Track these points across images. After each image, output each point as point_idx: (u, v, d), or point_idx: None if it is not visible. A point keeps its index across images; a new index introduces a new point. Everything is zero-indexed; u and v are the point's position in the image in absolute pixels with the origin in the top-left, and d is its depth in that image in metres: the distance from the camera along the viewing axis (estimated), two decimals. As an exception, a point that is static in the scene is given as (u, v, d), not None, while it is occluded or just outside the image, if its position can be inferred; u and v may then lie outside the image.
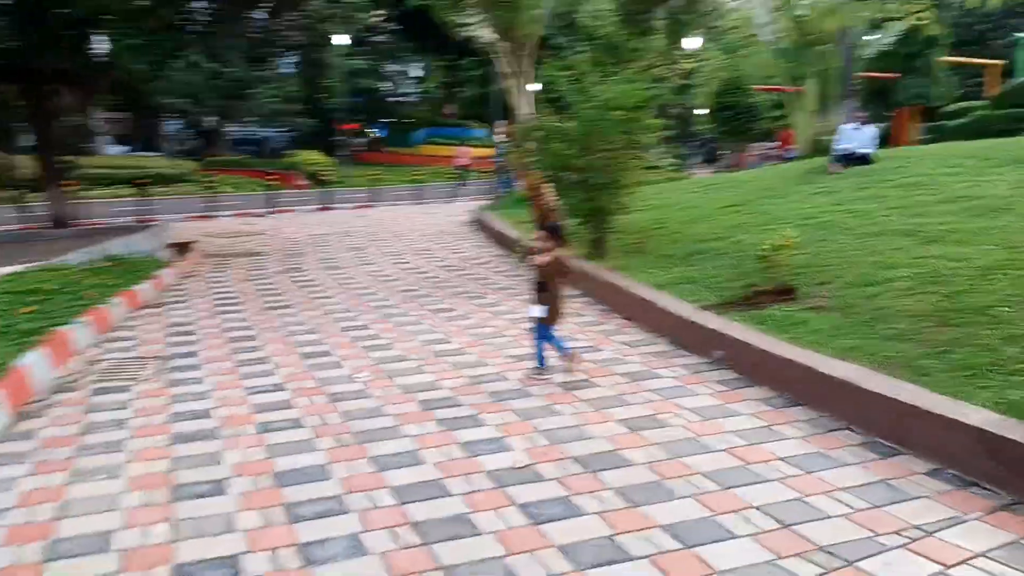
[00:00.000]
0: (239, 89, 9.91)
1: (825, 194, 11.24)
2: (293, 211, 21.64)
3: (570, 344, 6.26)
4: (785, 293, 7.23)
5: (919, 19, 7.37)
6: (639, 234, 10.72)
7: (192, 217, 19.68)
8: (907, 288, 6.51)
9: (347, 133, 49.72)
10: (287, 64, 12.69)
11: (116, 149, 41.09)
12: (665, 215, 11.90)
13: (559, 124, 10.35)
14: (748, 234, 9.65)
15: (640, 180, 10.05)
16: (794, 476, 4.12)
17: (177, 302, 9.33)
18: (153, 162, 28.64)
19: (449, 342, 7.21)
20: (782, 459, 4.32)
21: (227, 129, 45.88)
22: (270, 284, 10.55)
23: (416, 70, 56.94)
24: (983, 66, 32.10)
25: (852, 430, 4.71)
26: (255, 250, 13.99)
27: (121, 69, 10.94)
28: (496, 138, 49.57)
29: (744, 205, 11.77)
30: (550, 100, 11.12)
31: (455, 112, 46.37)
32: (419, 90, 57.00)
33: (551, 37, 39.64)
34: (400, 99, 57.57)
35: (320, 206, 22.43)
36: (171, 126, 50.61)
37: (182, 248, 13.76)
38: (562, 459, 4.38)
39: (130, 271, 9.61)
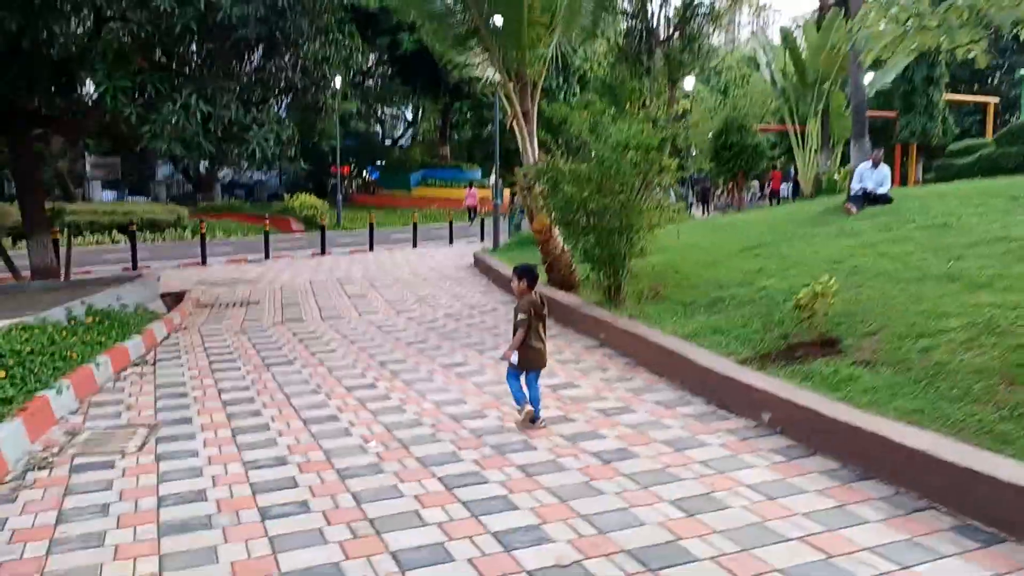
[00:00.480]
0: (233, 132, 9.42)
1: (848, 236, 10.78)
2: (289, 256, 21.10)
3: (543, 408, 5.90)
4: (828, 345, 6.70)
5: (967, 51, 6.94)
6: (653, 279, 10.20)
7: (184, 264, 19.12)
8: (964, 340, 5.98)
9: (339, 176, 49.60)
10: (281, 107, 12.32)
11: (106, 195, 40.70)
12: (678, 258, 11.39)
13: (572, 166, 9.89)
14: (772, 279, 9.15)
15: (656, 223, 9.54)
16: (890, 573, 3.54)
17: (169, 358, 8.74)
18: (144, 207, 28.19)
19: (465, 402, 6.63)
20: (869, 549, 3.74)
21: (220, 173, 45.62)
22: (268, 337, 9.97)
23: (408, 112, 56.93)
24: (982, 104, 32.12)
25: (939, 510, 4.14)
26: (251, 299, 13.42)
27: (109, 112, 10.38)
28: (491, 180, 49.55)
29: (761, 248, 11.29)
30: (557, 142, 10.66)
31: (447, 154, 46.15)
32: (411, 132, 56.96)
33: (544, 79, 39.68)
34: (392, 142, 57.52)
35: (316, 251, 21.91)
36: (162, 171, 50.35)
37: (175, 298, 13.19)
38: (614, 553, 3.79)
39: (118, 326, 9.02)
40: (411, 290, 14.16)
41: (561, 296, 10.74)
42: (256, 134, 10.46)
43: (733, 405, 6.11)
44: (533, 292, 5.97)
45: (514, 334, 5.81)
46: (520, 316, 5.81)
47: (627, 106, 32.95)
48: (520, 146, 11.63)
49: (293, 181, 51.76)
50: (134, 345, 8.75)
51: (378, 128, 58.58)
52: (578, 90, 41.72)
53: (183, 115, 9.76)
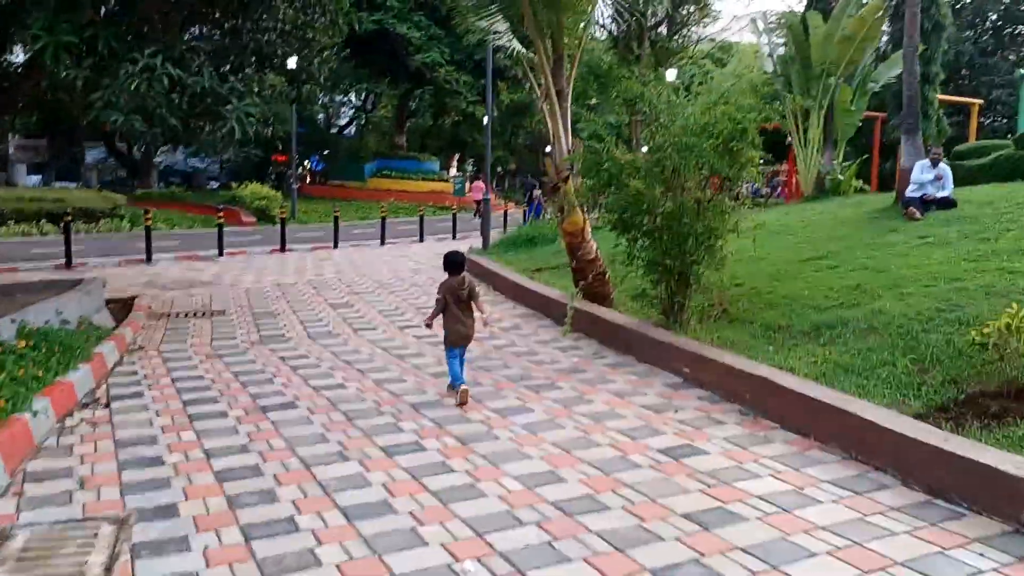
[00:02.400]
0: (207, 104, 7.49)
1: (937, 246, 9.26)
2: (244, 253, 18.84)
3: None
4: (1025, 398, 5.09)
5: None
6: (713, 293, 8.48)
7: (126, 261, 16.73)
8: None
9: (293, 165, 46.87)
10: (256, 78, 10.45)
11: (30, 179, 37.40)
12: (736, 269, 9.69)
13: (632, 157, 8.09)
14: (882, 299, 7.55)
15: (736, 227, 7.82)
16: None
17: (128, 396, 6.67)
18: (76, 195, 25.41)
19: (562, 479, 4.77)
20: None
21: (157, 159, 42.53)
22: (250, 363, 7.94)
23: (354, 98, 54.20)
24: (965, 105, 31.34)
25: None
26: (213, 306, 11.29)
27: (48, 76, 8.18)
28: (451, 172, 47.51)
29: (830, 257, 9.73)
30: (596, 129, 8.85)
31: (404, 144, 43.92)
32: (361, 120, 54.33)
33: (511, 67, 37.75)
34: (339, 130, 54.81)
35: (275, 247, 19.67)
36: (92, 154, 46.80)
37: (122, 306, 10.99)
38: None
39: (60, 350, 6.89)
40: (400, 297, 12.21)
41: (604, 312, 8.96)
42: (236, 108, 8.38)
43: (916, 475, 4.43)
44: (460, 277, 6.69)
45: (478, 304, 6.76)
46: (436, 297, 6.79)
47: (615, 95, 31.48)
48: (551, 132, 9.77)
49: (234, 169, 48.86)
50: (81, 378, 6.66)
51: (321, 115, 55.74)
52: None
53: (144, 80, 7.63)
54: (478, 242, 24.09)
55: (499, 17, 9.51)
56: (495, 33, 9.51)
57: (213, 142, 9.14)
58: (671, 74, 25.73)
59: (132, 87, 7.51)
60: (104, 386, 6.96)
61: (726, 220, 7.72)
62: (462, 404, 6.26)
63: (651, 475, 4.79)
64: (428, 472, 4.87)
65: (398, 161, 41.57)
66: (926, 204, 11.51)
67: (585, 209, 9.63)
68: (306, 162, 50.62)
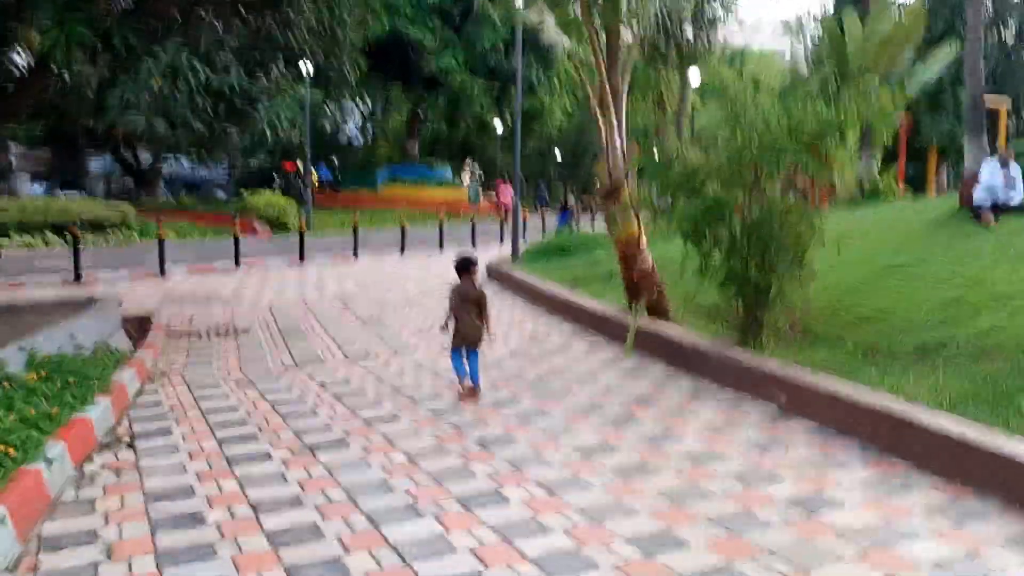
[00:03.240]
0: (236, 105, 6.81)
1: (1029, 254, 8.46)
2: (261, 264, 18.07)
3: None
4: None
5: None
6: (792, 309, 7.68)
7: (139, 274, 15.96)
8: None
9: (301, 173, 46.01)
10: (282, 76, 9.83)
11: (33, 189, 36.70)
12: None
13: (700, 160, 7.33)
14: (989, 317, 6.80)
15: (822, 237, 7.05)
16: None
17: (154, 433, 5.89)
18: (82, 205, 24.61)
19: (683, 542, 3.97)
20: None
21: (164, 167, 41.82)
22: (286, 390, 7.16)
23: (362, 106, 53.47)
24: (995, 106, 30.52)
25: None
26: (236, 324, 10.52)
27: (59, 78, 7.43)
28: (464, 178, 46.69)
29: (910, 267, 8.93)
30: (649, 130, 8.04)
31: (416, 151, 43.14)
32: (369, 128, 53.58)
33: (525, 71, 36.99)
34: (351, 138, 54.05)
35: (293, 258, 18.90)
36: (96, 163, 46.06)
37: (137, 324, 10.23)
38: None
39: (76, 382, 6.12)
40: (432, 312, 11.38)
41: (670, 330, 8.15)
42: (268, 109, 7.63)
43: None
44: (470, 280, 6.92)
45: (487, 313, 6.93)
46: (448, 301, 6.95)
47: (640, 96, 30.73)
48: (604, 135, 8.99)
49: (242, 178, 48.07)
50: (100, 413, 5.88)
51: (327, 123, 54.95)
52: (557, 86, 39.25)
53: (167, 80, 6.88)
54: (496, 250, 23.41)
55: (546, 9, 8.74)
56: (544, 24, 8.74)
57: (243, 147, 8.38)
58: (695, 75, 24.94)
59: (154, 86, 6.76)
60: (126, 421, 6.18)
61: (814, 227, 6.93)
62: (468, 397, 6.63)
63: (787, 537, 3.99)
64: (520, 532, 4.07)
65: (410, 168, 40.78)
66: (997, 208, 10.71)
67: (641, 217, 8.85)
68: (312, 170, 49.84)
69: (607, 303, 10.07)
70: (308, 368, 7.99)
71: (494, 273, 14.93)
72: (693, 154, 7.31)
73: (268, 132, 7.65)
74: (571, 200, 25.95)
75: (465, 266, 6.94)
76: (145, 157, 41.14)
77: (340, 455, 5.34)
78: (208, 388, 7.24)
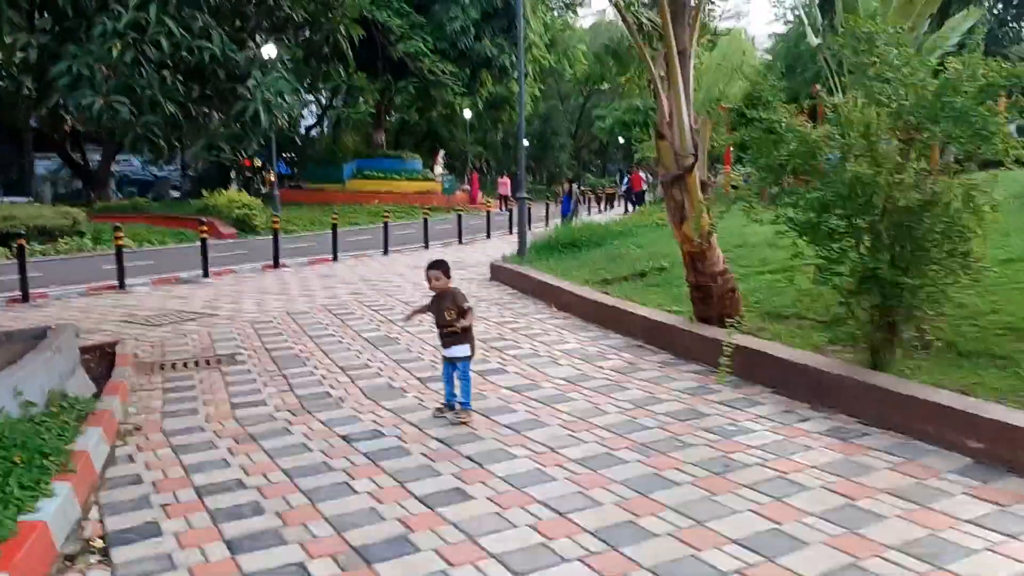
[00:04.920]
0: (219, 81, 5.39)
1: None
2: (232, 272, 16.23)
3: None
4: None
5: None
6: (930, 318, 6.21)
7: (94, 288, 14.06)
8: None
9: (249, 170, 43.70)
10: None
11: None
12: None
13: (825, 131, 5.80)
14: None
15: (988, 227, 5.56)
16: None
17: (137, 537, 4.19)
18: (28, 211, 22.41)
19: None
20: None
21: (115, 167, 39.34)
22: (303, 449, 5.48)
23: (326, 96, 51.22)
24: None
25: None
26: (218, 349, 8.78)
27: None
28: (437, 171, 44.86)
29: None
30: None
31: (383, 142, 41.19)
32: (332, 119, 51.35)
33: (497, 55, 35.27)
34: (306, 131, 51.77)
35: (267, 263, 17.08)
36: (44, 165, 43.31)
37: (99, 355, 8.45)
38: None
39: (20, 463, 4.40)
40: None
41: (776, 350, 6.62)
42: (260, 84, 5.92)
43: None
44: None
45: (465, 324, 5.89)
46: (467, 303, 5.94)
47: (632, 71, 29.12)
48: (666, 107, 7.43)
49: (199, 176, 45.65)
50: (60, 508, 4.17)
51: (293, 113, 52.58)
52: (529, 70, 37.59)
53: (130, 45, 5.14)
54: (489, 246, 21.78)
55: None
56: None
57: (229, 134, 6.65)
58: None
59: (113, 54, 5.02)
60: (95, 510, 4.48)
61: (981, 215, 5.43)
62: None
63: None
64: None
65: (379, 160, 38.82)
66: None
67: (712, 209, 7.30)
68: (270, 167, 47.56)
69: (662, 310, 8.55)
70: (322, 413, 6.30)
71: (500, 273, 13.33)
72: (808, 126, 5.76)
73: (263, 114, 5.96)
74: (573, 187, 24.44)
75: (446, 267, 6.17)
76: (94, 157, 38.67)
77: (408, 565, 3.71)
78: (198, 449, 5.54)
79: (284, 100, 6.16)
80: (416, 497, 4.54)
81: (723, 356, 6.29)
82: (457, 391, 5.98)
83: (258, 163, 42.06)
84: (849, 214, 5.49)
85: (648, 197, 30.61)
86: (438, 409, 6.08)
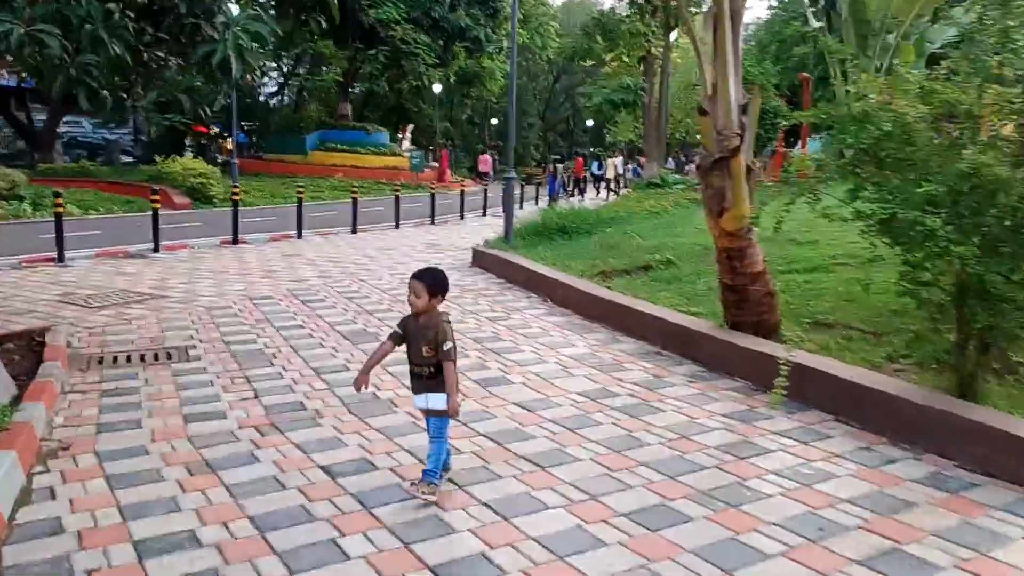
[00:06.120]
0: (179, 16, 4.45)
1: None
2: (185, 246, 14.86)
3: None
4: None
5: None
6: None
7: (30, 259, 12.62)
8: None
9: (204, 137, 41.57)
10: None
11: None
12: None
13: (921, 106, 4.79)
14: None
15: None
16: None
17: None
18: (-38, 171, 20.62)
19: None
20: None
21: (61, 128, 37.17)
22: (274, 485, 4.33)
23: (286, 65, 49.25)
24: None
25: None
26: (171, 343, 7.55)
27: None
28: (404, 146, 43.29)
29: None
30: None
31: (348, 113, 39.53)
32: (293, 88, 49.43)
33: (472, 27, 33.88)
34: (266, 101, 49.78)
35: (224, 238, 15.71)
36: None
37: (26, 345, 7.16)
38: None
39: None
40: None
41: (828, 365, 5.64)
42: (230, 23, 4.72)
43: None
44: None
45: (445, 370, 4.06)
46: (448, 344, 4.04)
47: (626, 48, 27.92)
48: (709, 77, 6.35)
49: (151, 142, 43.53)
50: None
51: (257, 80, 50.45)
52: (504, 44, 36.29)
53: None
54: (465, 228, 20.61)
55: None
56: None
57: (189, 85, 5.38)
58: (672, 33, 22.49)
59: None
60: (-7, 589, 3.32)
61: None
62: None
63: None
64: None
65: (344, 132, 37.18)
66: None
67: (756, 197, 6.25)
68: (224, 133, 45.55)
69: (678, 311, 7.55)
70: (295, 432, 5.15)
71: (484, 260, 12.22)
72: (902, 101, 4.73)
73: (234, 62, 4.75)
74: (559, 168, 23.42)
75: (445, 286, 4.23)
76: (39, 118, 36.44)
77: None
78: (141, 481, 4.37)
79: (260, 48, 4.99)
80: (428, 567, 3.44)
81: (780, 376, 5.28)
82: (428, 455, 4.19)
83: (215, 130, 40.11)
84: (959, 214, 4.47)
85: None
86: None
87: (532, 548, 3.62)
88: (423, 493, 4.04)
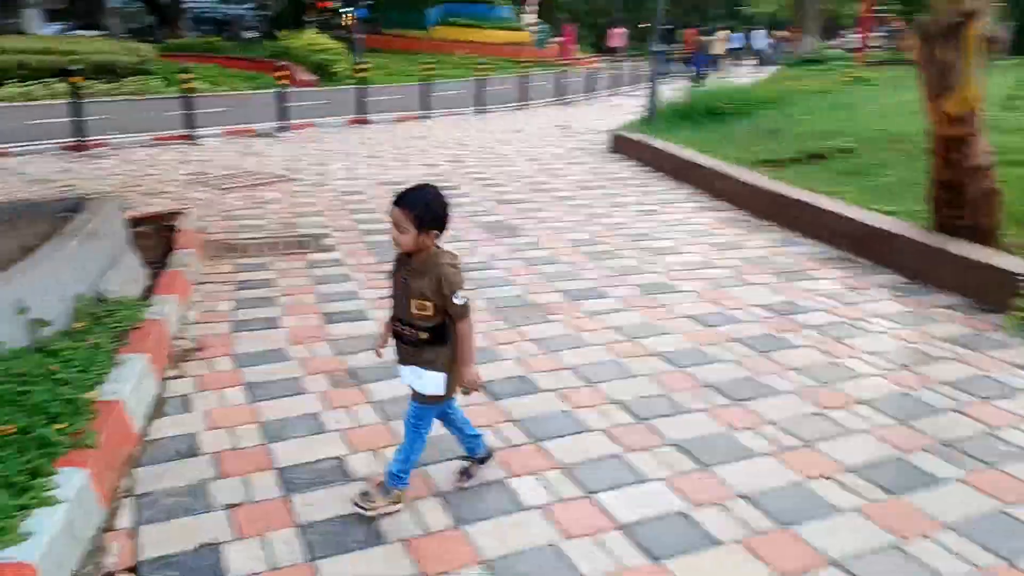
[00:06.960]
0: None
1: None
2: (311, 126, 14.45)
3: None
4: None
5: None
6: None
7: (160, 137, 12.45)
8: None
9: (326, 12, 40.84)
10: None
11: (48, 28, 32.69)
12: None
13: None
14: None
15: None
16: None
17: (189, 569, 2.58)
18: (95, 46, 20.72)
19: None
20: None
21: (189, 4, 37.29)
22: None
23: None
24: None
25: None
26: (304, 230, 7.09)
27: None
28: (527, 20, 41.53)
29: None
30: None
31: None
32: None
33: None
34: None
35: (351, 117, 15.21)
36: (117, -1, 41.36)
37: (156, 230, 6.82)
38: None
39: (11, 433, 2.80)
40: (595, 207, 7.90)
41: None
42: None
43: None
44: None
45: (459, 333, 2.78)
46: (460, 297, 2.72)
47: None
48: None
49: (273, 17, 43.20)
50: (54, 543, 2.55)
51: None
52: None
53: None
54: (591, 109, 19.49)
55: None
56: None
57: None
58: None
59: None
60: (128, 518, 2.89)
61: None
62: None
63: None
64: None
65: (467, 6, 35.75)
66: None
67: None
68: (345, 8, 44.67)
69: (870, 209, 6.51)
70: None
71: (625, 145, 11.25)
72: None
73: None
74: (705, 43, 21.81)
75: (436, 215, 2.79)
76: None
77: None
78: (281, 394, 3.90)
79: None
80: (617, 526, 2.81)
81: (1018, 295, 4.30)
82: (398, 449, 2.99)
83: (337, 3, 39.38)
84: None
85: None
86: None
87: (746, 511, 2.93)
88: (371, 507, 2.87)
